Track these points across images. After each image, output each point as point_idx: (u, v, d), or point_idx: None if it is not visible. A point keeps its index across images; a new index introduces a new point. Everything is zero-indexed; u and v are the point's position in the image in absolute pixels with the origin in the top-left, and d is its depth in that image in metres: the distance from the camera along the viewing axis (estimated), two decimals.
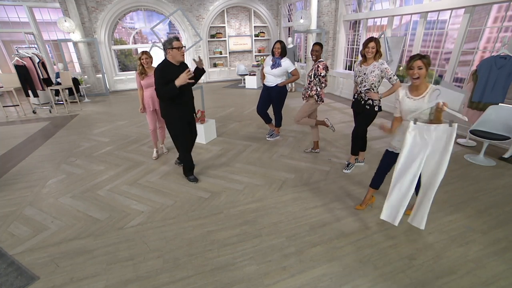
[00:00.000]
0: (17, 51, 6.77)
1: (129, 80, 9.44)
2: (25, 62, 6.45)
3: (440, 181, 1.93)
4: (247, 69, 9.85)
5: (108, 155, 4.08)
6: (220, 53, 10.49)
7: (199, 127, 4.15)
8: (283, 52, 3.89)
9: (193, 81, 2.82)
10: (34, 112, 6.70)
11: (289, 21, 10.27)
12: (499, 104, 3.63)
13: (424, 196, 2.05)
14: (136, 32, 9.54)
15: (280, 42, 3.88)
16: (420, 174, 2.05)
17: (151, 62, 3.51)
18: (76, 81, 7.73)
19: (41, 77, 6.84)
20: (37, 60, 6.80)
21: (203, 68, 3.09)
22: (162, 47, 2.77)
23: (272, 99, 4.19)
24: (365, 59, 2.90)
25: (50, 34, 9.06)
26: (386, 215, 2.20)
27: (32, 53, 6.85)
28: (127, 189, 3.12)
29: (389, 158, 2.38)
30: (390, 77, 2.83)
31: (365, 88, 2.95)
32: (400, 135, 2.26)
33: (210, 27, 9.95)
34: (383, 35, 5.92)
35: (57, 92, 7.58)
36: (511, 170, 3.33)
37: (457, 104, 1.78)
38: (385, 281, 1.86)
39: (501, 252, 2.09)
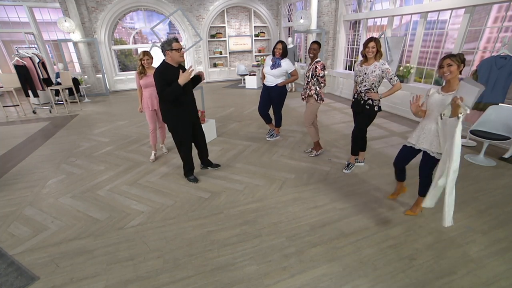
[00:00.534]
0: (17, 51, 6.76)
1: (129, 80, 9.44)
2: (25, 62, 6.45)
3: (453, 169, 1.89)
4: (247, 69, 9.85)
5: (108, 155, 4.08)
6: (220, 53, 10.49)
7: None
8: (284, 53, 3.89)
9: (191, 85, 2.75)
10: (34, 112, 6.70)
11: (289, 21, 10.27)
12: (499, 104, 3.63)
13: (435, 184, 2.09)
14: (136, 32, 9.54)
15: (282, 42, 3.88)
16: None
17: (152, 63, 3.52)
18: (76, 81, 7.73)
19: (41, 77, 6.84)
20: (37, 60, 6.80)
21: (201, 78, 3.02)
22: (160, 49, 2.71)
23: (272, 99, 4.19)
24: (365, 59, 2.90)
25: (50, 34, 9.06)
26: (428, 203, 2.19)
27: (32, 53, 6.84)
28: (127, 189, 3.12)
29: (405, 151, 2.48)
30: (391, 78, 2.83)
31: (365, 88, 2.95)
32: (418, 131, 2.34)
33: (210, 27, 9.95)
34: (383, 35, 5.93)
35: (57, 92, 7.58)
36: (511, 170, 3.33)
37: (471, 99, 1.81)
38: (385, 281, 1.86)
39: (502, 252, 2.09)
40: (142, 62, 3.42)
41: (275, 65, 3.93)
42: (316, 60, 3.38)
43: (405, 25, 6.21)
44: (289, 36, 9.83)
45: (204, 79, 3.04)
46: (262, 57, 10.65)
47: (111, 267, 2.04)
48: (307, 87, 3.49)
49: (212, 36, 10.16)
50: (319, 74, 3.36)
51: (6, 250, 2.23)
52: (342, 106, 6.64)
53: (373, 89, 2.93)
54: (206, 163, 3.48)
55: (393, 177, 3.22)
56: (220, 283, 1.89)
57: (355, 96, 3.14)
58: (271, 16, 10.58)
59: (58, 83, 7.26)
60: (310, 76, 3.42)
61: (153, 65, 3.57)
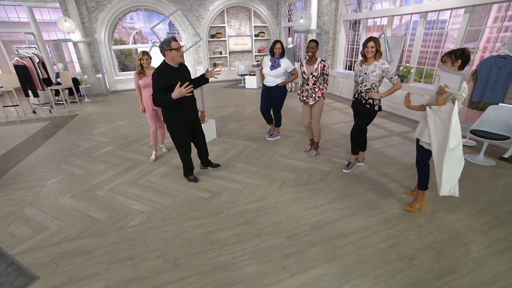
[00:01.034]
0: (17, 51, 6.76)
1: (129, 80, 9.44)
2: (25, 62, 6.45)
3: (447, 152, 2.08)
4: (247, 69, 9.85)
5: (108, 155, 4.08)
6: (220, 53, 10.49)
7: None
8: (283, 52, 3.90)
9: (191, 92, 2.68)
10: (34, 112, 6.70)
11: (289, 21, 10.28)
12: (499, 104, 3.63)
13: (437, 166, 2.21)
14: (136, 32, 9.54)
15: (280, 42, 3.88)
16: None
17: (150, 63, 3.51)
18: (76, 81, 7.73)
19: (41, 77, 6.84)
20: (37, 60, 6.79)
21: (208, 79, 3.03)
22: (159, 50, 2.66)
23: (272, 99, 4.19)
24: (365, 59, 2.90)
25: (50, 34, 9.06)
26: (445, 190, 2.22)
27: (32, 53, 6.84)
28: (127, 189, 3.12)
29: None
30: (391, 77, 2.83)
31: (366, 88, 2.94)
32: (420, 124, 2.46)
33: (210, 27, 9.96)
34: (383, 35, 5.93)
35: (57, 92, 7.58)
36: (511, 170, 3.33)
37: (456, 85, 2.00)
38: (385, 281, 1.86)
39: (502, 252, 2.09)
40: (142, 62, 3.41)
41: (274, 65, 3.93)
42: (320, 60, 3.38)
43: (405, 25, 6.22)
44: (289, 36, 9.83)
45: (211, 76, 2.98)
46: (262, 57, 10.65)
47: (111, 267, 2.04)
48: (313, 86, 3.42)
49: (212, 36, 10.16)
50: (327, 72, 3.39)
51: (6, 250, 2.23)
52: (342, 106, 6.64)
53: (374, 89, 2.93)
54: (206, 163, 3.48)
55: (393, 176, 3.24)
56: (220, 282, 1.89)
57: (356, 96, 3.14)
58: (271, 16, 10.59)
59: (58, 83, 7.26)
60: (318, 75, 3.39)
61: (152, 65, 3.57)
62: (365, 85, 2.94)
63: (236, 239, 2.29)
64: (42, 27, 8.76)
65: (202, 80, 3.04)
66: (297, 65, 9.24)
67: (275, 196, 2.91)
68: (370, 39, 2.79)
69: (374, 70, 2.84)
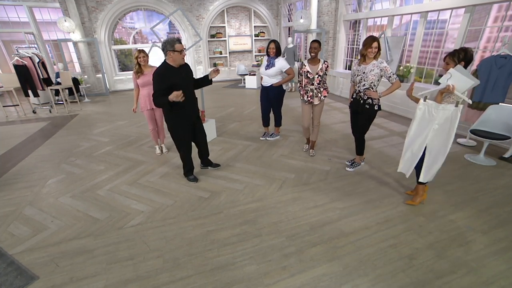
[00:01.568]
0: (17, 51, 6.77)
1: (129, 80, 9.43)
2: (25, 62, 6.45)
3: (448, 150, 2.28)
4: (247, 69, 9.84)
5: (108, 155, 4.08)
6: (220, 53, 10.49)
7: None
8: (278, 52, 3.87)
9: (184, 98, 2.60)
10: (34, 112, 6.70)
11: (289, 21, 10.27)
12: (500, 103, 3.63)
13: (434, 163, 2.39)
14: (136, 32, 9.54)
15: (274, 41, 3.85)
16: (426, 144, 2.42)
17: (147, 61, 3.50)
18: (76, 81, 7.73)
19: (41, 77, 6.84)
20: (37, 60, 6.79)
21: (211, 80, 3.03)
22: (161, 48, 2.65)
23: (270, 99, 4.18)
24: (364, 58, 2.89)
25: (50, 34, 9.06)
26: (401, 168, 2.63)
27: (32, 53, 6.84)
28: (127, 189, 3.11)
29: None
30: (390, 76, 2.82)
31: (364, 88, 2.94)
32: None
33: (210, 27, 9.95)
34: (383, 35, 5.92)
35: (57, 92, 7.58)
36: (511, 170, 3.33)
37: (465, 88, 1.99)
38: (385, 281, 1.86)
39: (502, 252, 2.08)
40: (138, 60, 3.40)
41: (269, 65, 3.91)
42: (324, 60, 3.40)
43: (405, 25, 6.21)
44: (289, 36, 9.83)
45: (215, 76, 2.98)
46: (261, 57, 10.65)
47: (111, 267, 2.04)
48: (318, 86, 3.42)
49: (212, 36, 10.16)
50: (327, 72, 3.43)
51: (6, 249, 2.22)
52: (342, 106, 6.64)
53: (372, 88, 2.92)
54: (206, 162, 3.48)
55: (393, 176, 3.23)
56: (220, 282, 1.88)
57: (354, 96, 3.13)
58: (271, 16, 10.58)
59: (58, 83, 7.26)
60: (322, 75, 3.40)
61: (150, 63, 3.56)
62: (364, 84, 2.93)
63: (236, 239, 2.29)
64: (42, 27, 8.76)
65: (205, 81, 3.03)
66: (297, 65, 9.25)
67: (275, 196, 2.90)
68: (374, 39, 2.74)
69: (373, 69, 2.83)
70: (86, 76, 8.60)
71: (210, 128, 4.49)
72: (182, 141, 3.02)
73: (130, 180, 3.31)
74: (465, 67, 2.16)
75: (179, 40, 2.61)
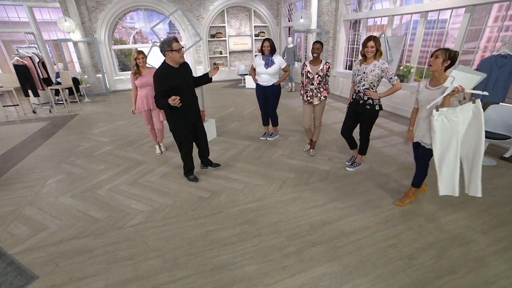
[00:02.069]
0: (17, 51, 6.77)
1: (128, 80, 9.40)
2: (25, 62, 6.45)
3: (484, 150, 2.10)
4: (247, 69, 9.84)
5: (108, 154, 4.08)
6: (220, 53, 10.49)
7: None
8: (273, 49, 3.83)
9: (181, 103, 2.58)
10: (34, 112, 6.70)
11: (289, 21, 10.27)
12: (500, 103, 3.63)
13: (472, 168, 2.18)
14: (136, 32, 9.53)
15: (269, 40, 3.81)
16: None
17: (146, 61, 3.50)
18: (76, 81, 7.73)
19: (41, 77, 6.84)
20: (37, 60, 6.80)
21: (211, 78, 3.03)
22: (159, 49, 2.64)
23: (268, 98, 4.15)
24: (365, 58, 2.89)
25: (50, 34, 9.06)
26: (444, 190, 2.30)
27: (32, 53, 6.84)
28: (127, 189, 3.11)
29: (414, 147, 2.56)
30: (391, 77, 2.81)
31: (364, 88, 2.93)
32: (416, 126, 2.44)
33: (210, 27, 9.95)
34: (383, 35, 5.92)
35: (57, 92, 7.58)
36: (511, 170, 3.32)
37: (472, 86, 1.94)
38: (385, 281, 1.86)
39: (502, 252, 2.08)
40: (137, 61, 3.39)
41: (268, 63, 3.86)
42: (326, 61, 3.39)
43: (405, 25, 6.21)
44: (289, 36, 9.82)
45: (215, 74, 2.99)
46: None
47: (110, 267, 2.04)
48: (318, 86, 3.42)
49: (212, 36, 10.15)
50: (329, 73, 3.43)
51: (6, 249, 2.22)
52: (342, 106, 6.63)
53: (372, 88, 2.92)
54: (206, 162, 3.48)
55: (393, 176, 3.23)
56: (220, 282, 1.88)
57: (354, 97, 3.13)
58: (271, 16, 10.58)
59: (58, 83, 7.26)
60: (323, 75, 3.39)
61: (148, 64, 3.56)
62: (363, 84, 2.92)
63: (236, 239, 2.29)
64: (42, 27, 8.76)
65: (205, 79, 3.03)
66: (297, 65, 9.24)
67: (275, 196, 2.90)
68: (369, 38, 2.75)
69: (374, 70, 2.83)
70: (86, 76, 8.60)
71: (210, 128, 4.48)
72: (184, 141, 3.02)
73: (130, 180, 3.30)
74: (449, 67, 2.14)
75: (176, 39, 2.59)
